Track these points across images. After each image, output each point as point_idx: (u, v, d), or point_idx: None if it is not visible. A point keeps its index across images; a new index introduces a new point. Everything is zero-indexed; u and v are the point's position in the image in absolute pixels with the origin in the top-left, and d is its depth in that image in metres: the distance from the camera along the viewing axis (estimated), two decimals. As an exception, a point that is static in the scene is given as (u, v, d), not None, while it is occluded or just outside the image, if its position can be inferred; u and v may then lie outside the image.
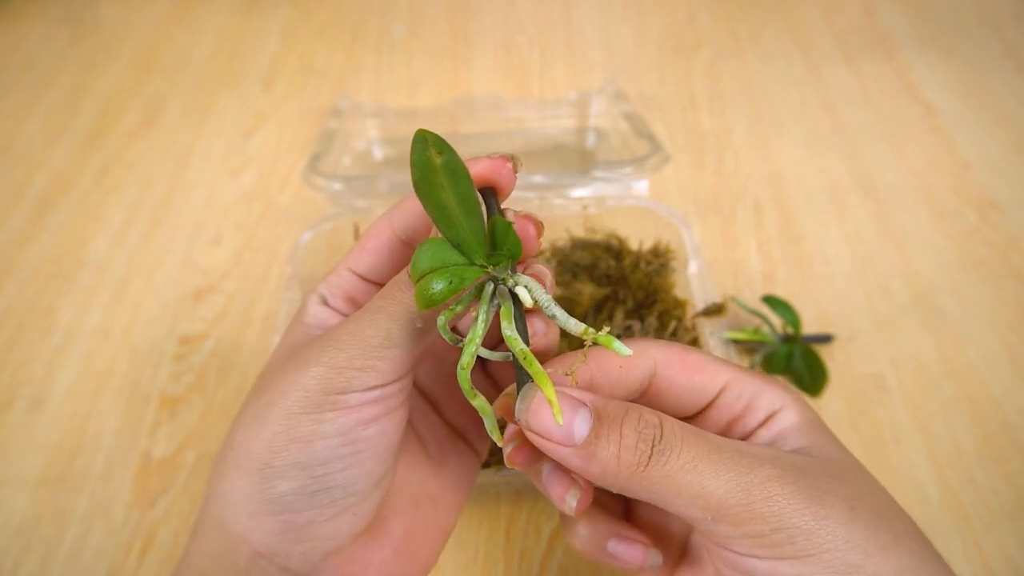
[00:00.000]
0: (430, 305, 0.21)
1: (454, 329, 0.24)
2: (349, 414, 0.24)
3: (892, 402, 0.45)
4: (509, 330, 0.23)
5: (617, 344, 0.22)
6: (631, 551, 0.26)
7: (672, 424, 0.22)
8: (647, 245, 0.49)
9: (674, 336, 0.43)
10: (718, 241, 0.55)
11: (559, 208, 0.50)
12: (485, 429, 0.25)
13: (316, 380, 0.23)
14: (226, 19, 0.79)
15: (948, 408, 0.45)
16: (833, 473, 0.23)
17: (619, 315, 0.44)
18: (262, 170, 0.62)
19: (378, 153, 0.62)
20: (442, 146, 0.23)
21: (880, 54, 0.71)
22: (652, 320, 0.44)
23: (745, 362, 0.47)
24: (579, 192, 0.49)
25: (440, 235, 0.23)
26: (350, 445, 0.24)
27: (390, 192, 0.48)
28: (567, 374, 0.24)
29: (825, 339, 0.48)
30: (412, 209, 0.27)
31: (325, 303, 0.28)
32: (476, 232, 0.22)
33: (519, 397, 0.23)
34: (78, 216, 0.59)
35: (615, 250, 0.49)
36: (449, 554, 0.39)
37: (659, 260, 0.48)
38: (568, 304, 0.45)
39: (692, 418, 0.26)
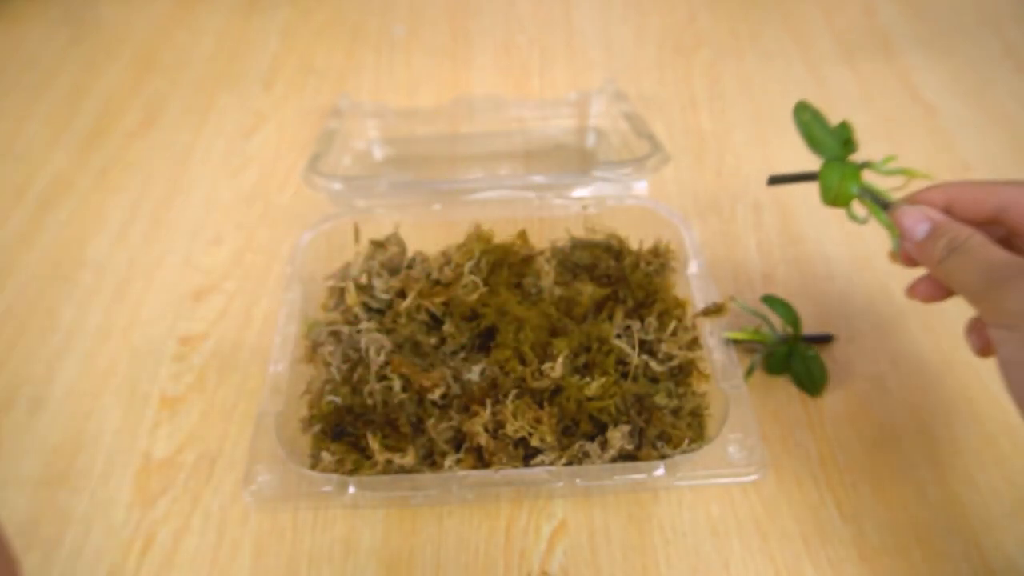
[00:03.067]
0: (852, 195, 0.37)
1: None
2: None
3: (892, 402, 0.45)
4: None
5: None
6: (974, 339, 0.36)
7: (974, 245, 0.33)
8: (647, 245, 0.49)
9: (674, 336, 0.43)
10: (718, 241, 0.55)
11: (559, 208, 0.50)
12: None
13: None
14: (226, 19, 0.79)
15: (948, 408, 0.45)
16: None
17: (619, 315, 0.44)
18: (262, 170, 0.62)
19: (378, 153, 0.62)
20: (807, 109, 0.41)
21: (880, 54, 0.71)
22: (652, 320, 0.44)
23: (745, 362, 0.47)
24: (579, 192, 0.49)
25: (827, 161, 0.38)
26: None
27: (390, 192, 0.49)
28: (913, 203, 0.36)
29: (825, 339, 0.48)
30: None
31: None
32: (836, 145, 0.39)
33: (895, 210, 0.36)
34: (78, 216, 0.59)
35: (615, 250, 0.49)
36: (449, 554, 0.39)
37: (659, 260, 0.48)
38: (568, 304, 0.45)
39: None
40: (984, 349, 0.35)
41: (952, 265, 0.33)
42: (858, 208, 0.38)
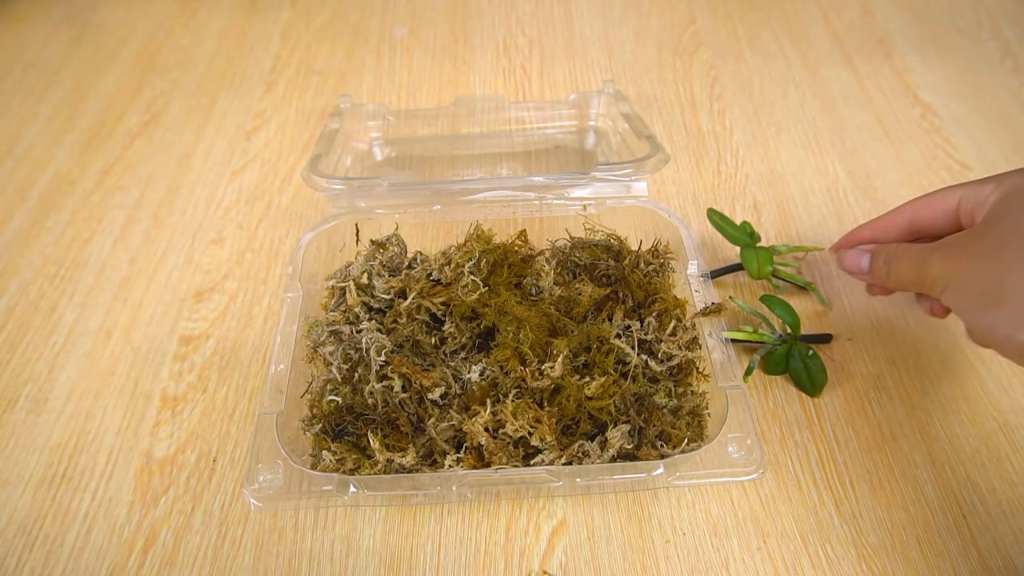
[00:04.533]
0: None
1: None
2: None
3: (890, 401, 0.45)
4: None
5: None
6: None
7: (900, 251, 0.41)
8: (647, 245, 0.49)
9: (673, 335, 0.43)
10: (717, 241, 0.55)
11: (559, 208, 0.50)
12: None
13: None
14: (227, 20, 0.79)
15: (946, 407, 0.45)
16: (966, 235, 0.38)
17: (619, 315, 0.44)
18: (263, 170, 0.62)
19: (378, 154, 0.62)
20: (716, 213, 0.52)
21: (878, 55, 0.71)
22: (651, 320, 0.44)
23: (744, 362, 0.47)
24: (579, 192, 0.49)
25: (743, 248, 0.50)
26: None
27: (390, 192, 0.49)
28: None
29: (824, 339, 0.48)
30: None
31: None
32: (745, 237, 0.51)
33: (840, 259, 0.46)
34: (80, 216, 0.59)
35: (615, 250, 0.49)
36: (450, 553, 0.40)
37: (659, 260, 0.48)
38: (568, 304, 0.45)
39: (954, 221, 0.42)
40: (932, 308, 0.44)
41: (894, 273, 0.42)
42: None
